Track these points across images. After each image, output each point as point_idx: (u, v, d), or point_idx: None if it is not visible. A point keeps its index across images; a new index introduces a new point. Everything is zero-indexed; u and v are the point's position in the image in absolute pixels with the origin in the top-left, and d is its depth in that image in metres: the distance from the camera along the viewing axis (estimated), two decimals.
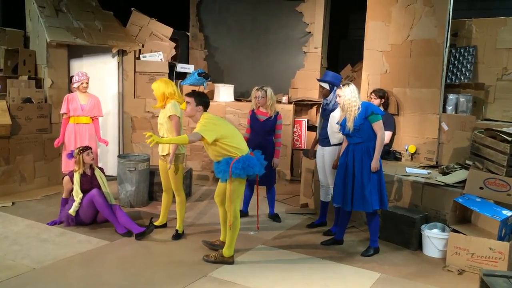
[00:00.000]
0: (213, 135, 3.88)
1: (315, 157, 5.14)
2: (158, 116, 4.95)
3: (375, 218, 4.38)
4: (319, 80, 5.02)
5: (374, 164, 4.21)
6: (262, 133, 5.17)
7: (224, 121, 4.20)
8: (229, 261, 4.09)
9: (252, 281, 3.79)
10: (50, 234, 4.64)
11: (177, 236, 4.68)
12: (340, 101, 4.34)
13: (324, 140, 4.93)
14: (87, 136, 5.64)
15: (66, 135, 5.65)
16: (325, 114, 4.91)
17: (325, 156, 4.92)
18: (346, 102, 4.26)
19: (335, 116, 4.67)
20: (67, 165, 5.48)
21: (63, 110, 5.65)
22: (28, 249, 4.25)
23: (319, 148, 5.05)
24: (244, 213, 5.25)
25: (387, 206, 4.39)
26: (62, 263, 4.01)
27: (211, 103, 7.13)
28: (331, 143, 4.84)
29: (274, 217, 5.36)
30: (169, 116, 4.59)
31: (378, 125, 4.23)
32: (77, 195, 4.77)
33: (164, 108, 4.68)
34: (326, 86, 4.88)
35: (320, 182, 5.10)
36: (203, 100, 4.09)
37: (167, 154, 4.64)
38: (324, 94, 4.96)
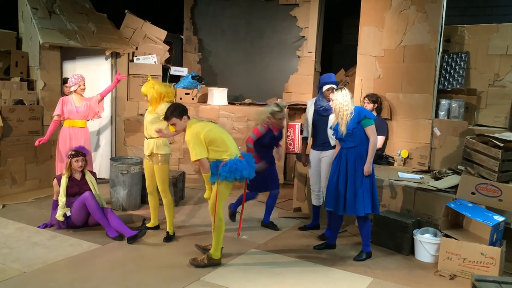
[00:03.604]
0: (204, 150, 3.92)
1: (309, 163, 5.08)
2: None
3: (366, 223, 4.39)
4: (334, 83, 4.82)
5: (367, 168, 4.22)
6: (273, 145, 5.13)
7: (209, 126, 4.07)
8: (217, 262, 4.09)
9: (245, 285, 3.78)
10: (40, 237, 4.60)
11: (168, 238, 4.68)
12: (332, 105, 4.35)
13: (324, 144, 4.86)
14: (82, 140, 5.55)
15: (61, 138, 5.58)
16: (324, 116, 4.84)
17: (325, 159, 4.85)
18: (338, 107, 4.27)
19: (331, 120, 4.66)
20: (62, 170, 5.41)
21: (57, 111, 5.55)
22: (18, 253, 4.20)
23: (314, 152, 4.99)
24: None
25: (378, 210, 4.41)
26: (53, 266, 3.97)
27: (204, 107, 7.24)
28: (332, 144, 4.81)
29: (268, 225, 5.22)
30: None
31: (370, 130, 4.25)
32: (61, 198, 4.72)
33: (156, 109, 4.68)
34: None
35: (311, 187, 5.10)
36: (179, 111, 4.04)
37: (151, 154, 4.68)
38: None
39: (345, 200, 4.30)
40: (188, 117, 4.09)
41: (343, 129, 4.25)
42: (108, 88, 5.95)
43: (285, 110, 5.16)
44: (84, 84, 5.60)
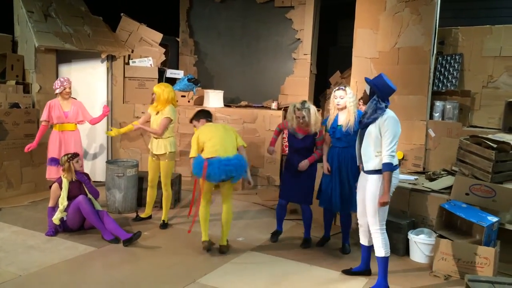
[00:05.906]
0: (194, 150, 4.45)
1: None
2: (148, 122, 5.25)
3: (350, 218, 4.59)
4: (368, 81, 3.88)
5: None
6: (302, 151, 4.61)
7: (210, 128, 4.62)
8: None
9: (240, 287, 3.79)
10: (36, 240, 4.60)
11: (164, 225, 5.15)
12: (343, 101, 4.36)
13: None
14: (72, 144, 5.54)
15: (51, 142, 5.54)
16: (361, 129, 3.82)
17: (368, 186, 3.74)
18: (352, 104, 4.32)
19: (372, 133, 3.68)
20: (50, 172, 5.43)
21: (43, 117, 5.48)
22: (14, 256, 4.20)
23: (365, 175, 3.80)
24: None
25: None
26: (48, 270, 3.97)
27: (201, 109, 7.22)
28: (365, 168, 3.73)
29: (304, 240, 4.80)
30: (165, 117, 5.02)
31: None
32: (62, 202, 4.70)
33: (160, 110, 5.06)
34: (367, 89, 3.78)
35: (358, 220, 4.00)
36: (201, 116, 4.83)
37: (163, 154, 5.08)
38: (364, 100, 3.89)
39: (341, 198, 4.44)
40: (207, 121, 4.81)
41: (351, 125, 4.31)
42: (98, 118, 5.82)
43: (311, 107, 4.47)
44: (70, 88, 5.53)
